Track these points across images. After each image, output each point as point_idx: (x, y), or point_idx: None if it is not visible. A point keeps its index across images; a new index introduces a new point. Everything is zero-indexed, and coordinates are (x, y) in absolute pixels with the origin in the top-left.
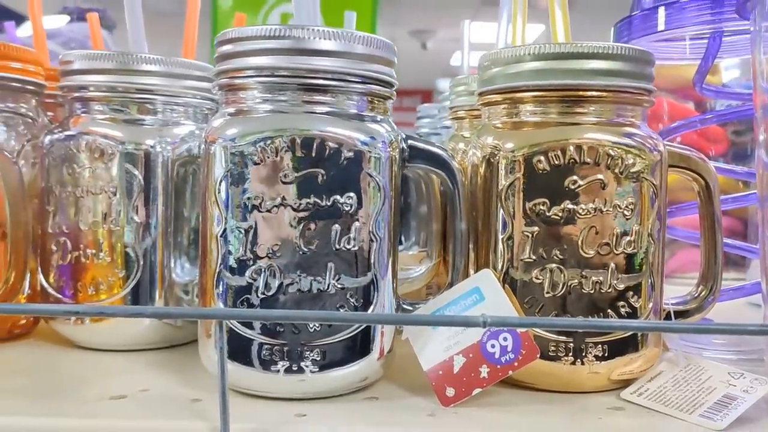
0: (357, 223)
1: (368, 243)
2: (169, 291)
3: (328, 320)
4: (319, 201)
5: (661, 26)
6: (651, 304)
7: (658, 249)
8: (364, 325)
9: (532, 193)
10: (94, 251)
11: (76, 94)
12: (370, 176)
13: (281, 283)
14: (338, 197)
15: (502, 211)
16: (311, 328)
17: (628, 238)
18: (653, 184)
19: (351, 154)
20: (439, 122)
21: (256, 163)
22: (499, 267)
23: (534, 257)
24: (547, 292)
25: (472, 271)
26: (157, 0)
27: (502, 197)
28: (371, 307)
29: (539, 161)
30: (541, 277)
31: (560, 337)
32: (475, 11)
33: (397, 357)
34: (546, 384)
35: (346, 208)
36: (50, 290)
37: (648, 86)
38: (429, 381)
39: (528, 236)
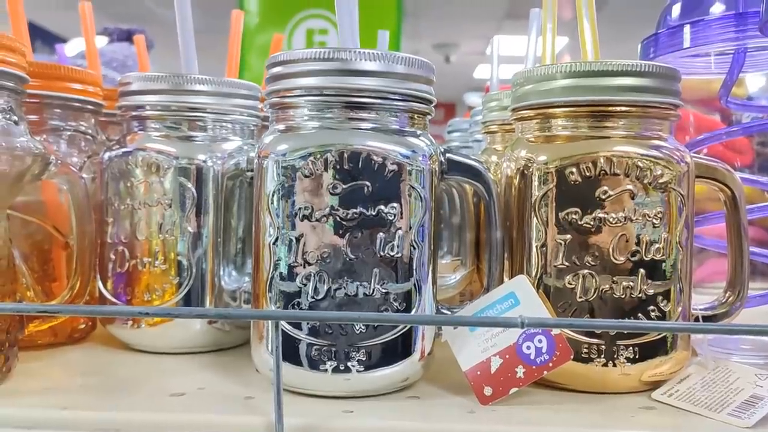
0: (400, 232)
1: (410, 250)
2: (219, 297)
3: (378, 321)
4: (365, 211)
5: (686, 43)
6: (680, 309)
7: (687, 256)
8: (407, 328)
9: (565, 203)
10: (149, 259)
11: (134, 113)
12: (413, 188)
13: (329, 288)
14: (383, 207)
15: (536, 220)
16: (357, 330)
17: (657, 245)
18: (681, 194)
19: (394, 167)
20: (470, 136)
21: (306, 176)
22: (534, 273)
23: (567, 264)
24: (580, 297)
25: (506, 278)
26: None
27: (536, 207)
28: (413, 311)
29: (571, 173)
30: (573, 283)
31: (592, 339)
32: (499, 24)
33: (435, 359)
34: (579, 385)
35: (390, 218)
36: (108, 296)
37: (675, 101)
38: (467, 380)
39: (561, 244)
